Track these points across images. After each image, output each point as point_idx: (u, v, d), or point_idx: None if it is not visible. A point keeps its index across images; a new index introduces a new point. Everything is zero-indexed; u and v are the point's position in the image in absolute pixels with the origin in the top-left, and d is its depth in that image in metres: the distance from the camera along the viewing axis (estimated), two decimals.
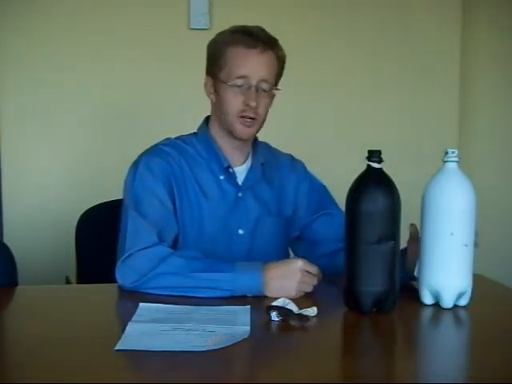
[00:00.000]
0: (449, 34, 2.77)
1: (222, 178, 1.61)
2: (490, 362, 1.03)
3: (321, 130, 2.70)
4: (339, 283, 1.30)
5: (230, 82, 1.54)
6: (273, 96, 1.60)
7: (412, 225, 1.39)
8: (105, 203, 1.88)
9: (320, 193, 1.72)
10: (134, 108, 2.56)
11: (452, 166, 1.28)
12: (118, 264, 1.43)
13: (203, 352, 1.03)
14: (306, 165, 1.77)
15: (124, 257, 1.43)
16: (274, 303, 1.23)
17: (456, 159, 1.28)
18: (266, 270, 1.37)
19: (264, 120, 1.59)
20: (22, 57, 2.49)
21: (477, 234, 1.29)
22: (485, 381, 0.95)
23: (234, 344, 1.06)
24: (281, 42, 1.60)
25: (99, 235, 1.82)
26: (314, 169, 1.78)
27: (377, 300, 1.24)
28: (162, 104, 2.57)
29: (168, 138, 1.65)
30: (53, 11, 2.48)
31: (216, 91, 1.59)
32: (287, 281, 1.36)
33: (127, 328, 1.14)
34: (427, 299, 1.31)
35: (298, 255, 1.70)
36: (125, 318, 1.18)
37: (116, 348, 1.04)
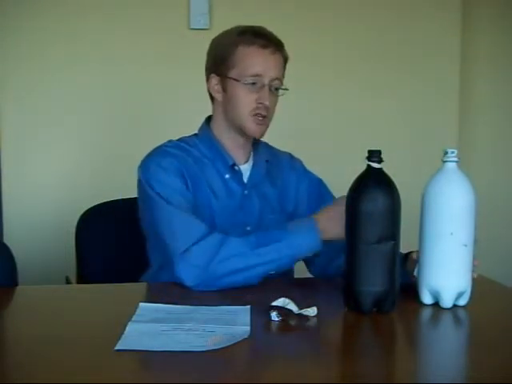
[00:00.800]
0: (449, 35, 2.77)
1: (227, 176, 1.62)
2: (489, 362, 1.03)
3: (321, 129, 2.70)
4: (339, 283, 1.30)
5: (244, 80, 1.56)
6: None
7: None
8: (105, 203, 1.88)
9: (318, 188, 1.75)
10: (134, 108, 2.56)
11: (451, 166, 1.28)
12: (178, 264, 1.41)
13: (203, 352, 1.03)
14: (306, 165, 1.78)
15: (180, 254, 1.41)
16: (274, 303, 1.23)
17: (455, 159, 1.28)
18: (317, 220, 1.42)
19: (271, 119, 1.61)
20: (22, 57, 2.49)
21: (476, 241, 1.30)
22: (484, 380, 0.95)
23: (234, 344, 1.06)
24: None
25: (99, 235, 1.82)
26: (314, 169, 1.78)
27: (377, 300, 1.24)
28: (161, 104, 2.57)
29: (170, 141, 1.65)
30: (53, 12, 2.48)
31: (224, 90, 1.60)
32: (342, 220, 1.31)
33: (127, 328, 1.14)
34: (427, 299, 1.31)
35: None
36: (125, 318, 1.18)
37: (116, 348, 1.04)
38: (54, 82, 2.51)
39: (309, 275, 1.68)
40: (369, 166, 1.26)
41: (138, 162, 1.60)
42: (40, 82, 2.50)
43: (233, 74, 1.57)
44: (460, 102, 2.79)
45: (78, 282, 1.77)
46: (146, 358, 1.02)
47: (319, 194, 1.73)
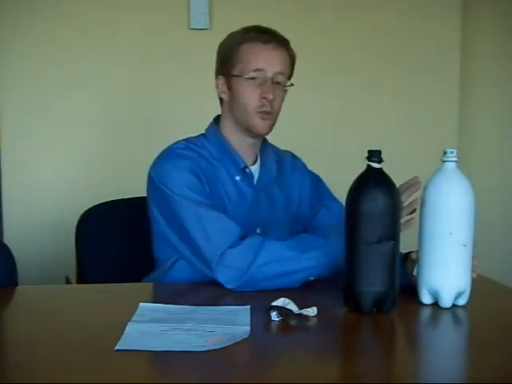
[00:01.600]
0: (449, 33, 2.77)
1: (237, 178, 1.61)
2: (488, 362, 1.03)
3: (321, 129, 2.70)
4: (339, 283, 1.30)
5: (246, 75, 1.55)
6: (285, 92, 1.61)
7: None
8: (105, 203, 1.88)
9: (318, 186, 1.75)
10: (134, 108, 2.56)
11: (451, 165, 1.28)
12: (216, 267, 1.40)
13: (203, 352, 1.03)
14: (307, 165, 1.79)
15: (218, 257, 1.40)
16: (274, 303, 1.23)
17: (455, 159, 1.28)
18: None
19: (277, 115, 1.60)
20: (22, 56, 2.49)
21: (475, 245, 1.29)
22: (484, 380, 0.95)
23: (234, 344, 1.06)
24: None
25: (99, 235, 1.82)
26: (314, 168, 1.79)
27: (377, 300, 1.24)
28: (161, 104, 2.57)
29: (177, 142, 1.61)
30: (53, 11, 2.49)
31: (230, 89, 1.59)
32: None
33: (127, 328, 1.14)
34: (426, 299, 1.31)
35: None
36: (125, 318, 1.18)
37: (116, 348, 1.04)
38: (54, 82, 2.51)
39: None
40: (369, 165, 1.26)
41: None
42: (40, 82, 2.50)
43: (236, 70, 1.57)
44: (460, 101, 2.79)
45: (78, 282, 1.77)
46: (146, 358, 1.02)
47: (318, 191, 1.74)
